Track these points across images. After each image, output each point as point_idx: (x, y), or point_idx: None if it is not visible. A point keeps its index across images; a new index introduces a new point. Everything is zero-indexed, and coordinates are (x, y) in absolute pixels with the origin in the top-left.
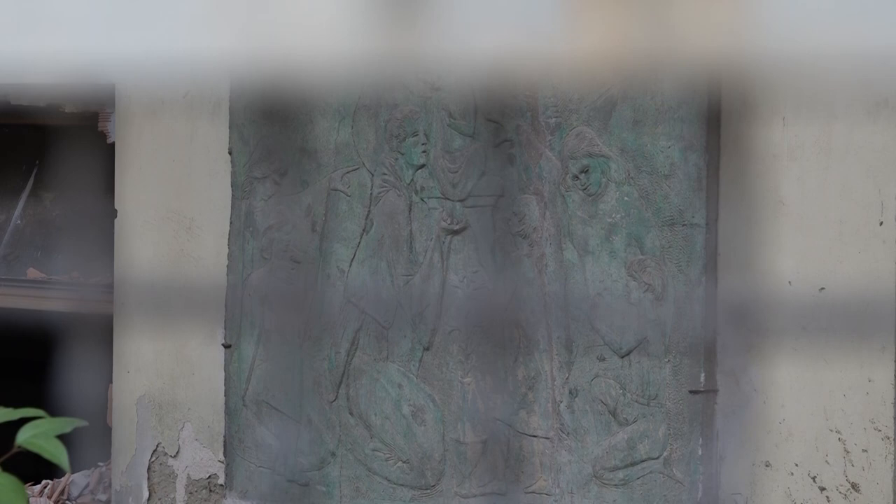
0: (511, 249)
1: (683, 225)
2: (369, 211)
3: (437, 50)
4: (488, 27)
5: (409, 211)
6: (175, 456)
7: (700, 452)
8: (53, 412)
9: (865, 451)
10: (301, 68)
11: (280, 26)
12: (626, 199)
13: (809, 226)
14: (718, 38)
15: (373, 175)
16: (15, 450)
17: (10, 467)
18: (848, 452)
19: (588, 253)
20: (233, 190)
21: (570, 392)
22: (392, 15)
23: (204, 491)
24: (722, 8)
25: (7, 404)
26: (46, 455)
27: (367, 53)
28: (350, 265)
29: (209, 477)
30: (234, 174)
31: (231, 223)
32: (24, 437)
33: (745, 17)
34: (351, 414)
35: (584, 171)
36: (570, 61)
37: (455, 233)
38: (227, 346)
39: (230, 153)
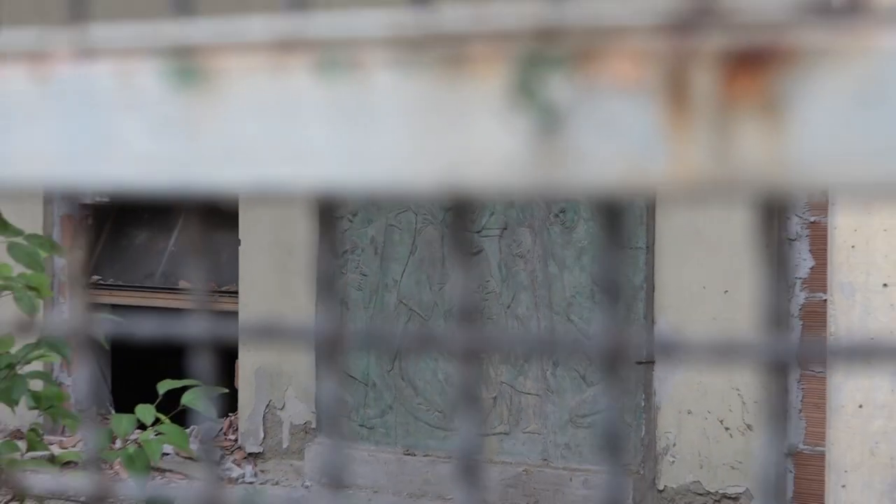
0: (511, 266)
1: (631, 248)
2: (414, 239)
3: (564, 177)
4: (603, 155)
5: (442, 239)
6: (282, 409)
7: (643, 404)
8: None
9: (756, 402)
10: (470, 190)
11: (453, 153)
12: (591, 230)
13: (718, 248)
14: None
15: (417, 214)
16: (181, 407)
17: (173, 419)
18: (745, 403)
19: (565, 268)
20: None
21: (553, 363)
22: (537, 149)
23: (301, 433)
24: (773, 140)
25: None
26: (200, 410)
27: (518, 180)
28: (401, 277)
29: (305, 423)
30: None
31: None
32: (186, 399)
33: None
34: (402, 379)
35: (562, 211)
36: (662, 185)
37: (473, 255)
38: None
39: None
